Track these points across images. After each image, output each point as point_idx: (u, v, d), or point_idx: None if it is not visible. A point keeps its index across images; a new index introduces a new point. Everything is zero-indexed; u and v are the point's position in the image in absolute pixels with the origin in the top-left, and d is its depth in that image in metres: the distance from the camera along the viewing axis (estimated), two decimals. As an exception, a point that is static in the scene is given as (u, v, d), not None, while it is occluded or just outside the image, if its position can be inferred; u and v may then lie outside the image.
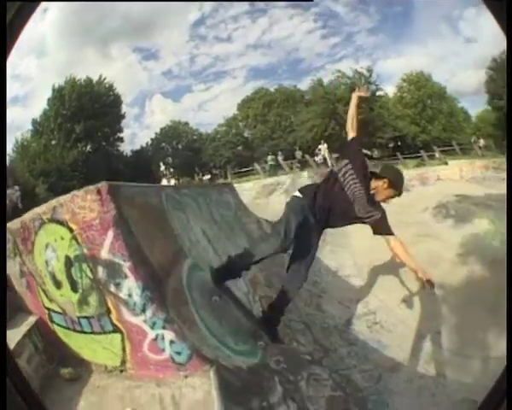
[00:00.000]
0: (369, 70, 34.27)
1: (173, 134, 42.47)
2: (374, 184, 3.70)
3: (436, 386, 4.60)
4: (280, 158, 26.44)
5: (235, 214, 7.94)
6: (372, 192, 3.69)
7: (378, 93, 35.75)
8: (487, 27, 47.60)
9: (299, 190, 3.91)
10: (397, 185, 3.79)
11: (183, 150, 41.47)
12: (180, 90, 56.68)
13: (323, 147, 24.83)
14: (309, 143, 33.74)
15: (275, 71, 61.42)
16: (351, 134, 3.93)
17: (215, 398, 2.60)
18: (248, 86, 56.14)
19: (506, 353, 1.85)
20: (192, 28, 50.69)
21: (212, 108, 56.85)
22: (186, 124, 43.91)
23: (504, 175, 20.36)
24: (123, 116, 37.07)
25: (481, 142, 30.83)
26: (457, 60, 56.66)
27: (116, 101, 35.89)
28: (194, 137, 43.10)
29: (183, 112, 53.50)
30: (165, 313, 3.03)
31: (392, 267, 8.13)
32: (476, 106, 64.03)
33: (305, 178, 17.34)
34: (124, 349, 3.04)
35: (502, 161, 22.60)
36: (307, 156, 25.76)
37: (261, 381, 3.36)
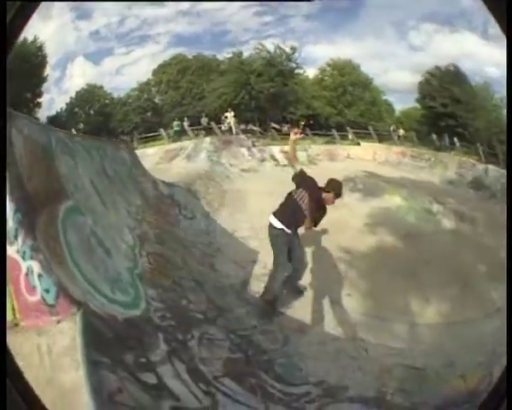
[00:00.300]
0: (293, 48, 32.70)
1: (87, 99, 38.86)
2: (324, 195, 5.22)
3: (355, 349, 4.60)
4: (186, 124, 25.55)
5: (130, 172, 7.58)
6: (323, 199, 5.22)
7: (296, 71, 34.78)
8: (439, 44, 50.79)
9: (274, 215, 5.21)
10: (339, 193, 5.35)
11: (95, 115, 38.33)
12: (102, 52, 51.40)
13: (230, 115, 24.42)
14: (217, 110, 32.85)
15: (199, 40, 58.52)
16: (298, 166, 5.71)
17: (78, 344, 2.37)
18: (169, 52, 53.64)
19: (506, 353, 1.87)
20: (132, -12, 46.56)
21: (129, 73, 53.18)
22: (101, 88, 40.39)
23: (423, 164, 22.48)
24: (45, 79, 33.06)
25: (401, 132, 31.73)
26: (394, 60, 59.16)
27: (42, 62, 31.96)
28: (107, 102, 39.94)
29: (100, 76, 49.04)
30: (32, 241, 2.75)
31: None
32: (403, 102, 68.26)
33: (208, 143, 17.24)
34: (10, 294, 2.73)
35: (422, 151, 24.37)
36: (213, 123, 25.23)
37: (141, 335, 3.08)
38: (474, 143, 26.58)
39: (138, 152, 17.57)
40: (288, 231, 5.00)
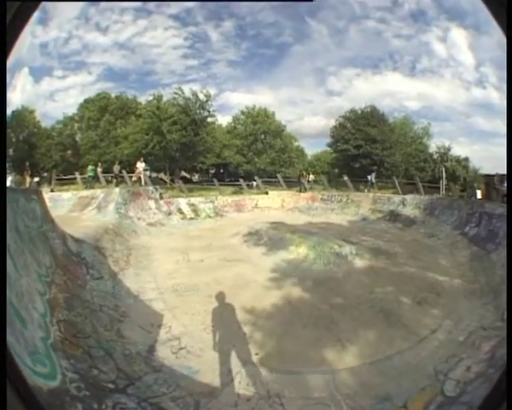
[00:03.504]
0: (207, 95, 33.17)
1: (19, 122, 36.63)
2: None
3: (271, 406, 4.69)
4: (99, 170, 24.93)
5: (41, 227, 7.37)
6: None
7: (209, 119, 35.28)
8: (359, 87, 55.24)
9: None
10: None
11: (23, 143, 36.34)
12: (43, 70, 48.24)
13: (141, 165, 24.14)
14: (129, 157, 32.57)
15: (126, 77, 58.41)
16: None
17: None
18: (97, 86, 52.62)
19: (506, 353, 1.93)
20: (86, 5, 44.92)
21: (60, 100, 50.89)
22: (32, 112, 38.84)
23: (334, 206, 23.35)
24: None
25: (311, 177, 32.36)
26: (309, 106, 63.46)
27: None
28: (35, 130, 38.03)
29: (36, 96, 46.34)
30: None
31: (195, 290, 8.65)
32: (316, 146, 73.35)
33: (117, 194, 17.02)
34: None
35: (333, 194, 25.06)
36: (124, 172, 24.86)
37: (63, 405, 3.20)
38: (390, 178, 28.07)
39: (55, 195, 17.68)
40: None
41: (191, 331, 6.69)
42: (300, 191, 27.46)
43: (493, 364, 4.80)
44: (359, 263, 11.24)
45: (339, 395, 4.94)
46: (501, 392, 1.75)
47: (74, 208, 16.31)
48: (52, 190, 19.72)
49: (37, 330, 4.09)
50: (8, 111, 35.43)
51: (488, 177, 19.45)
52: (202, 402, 4.56)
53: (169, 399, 4.44)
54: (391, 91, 54.89)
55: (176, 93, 33.45)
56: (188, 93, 33.13)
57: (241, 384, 5.16)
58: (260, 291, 8.80)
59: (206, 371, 5.39)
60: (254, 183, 31.50)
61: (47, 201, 9.35)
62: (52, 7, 40.52)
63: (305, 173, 32.69)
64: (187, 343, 6.22)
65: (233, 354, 5.90)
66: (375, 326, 7.04)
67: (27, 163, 25.84)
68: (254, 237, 14.33)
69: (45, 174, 31.87)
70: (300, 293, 8.74)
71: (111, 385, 4.19)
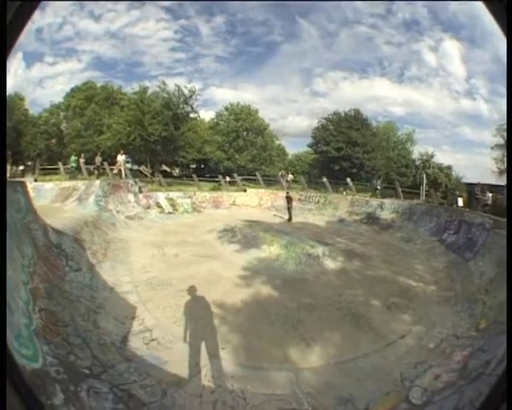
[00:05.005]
0: (192, 91, 33.08)
1: (10, 109, 35.06)
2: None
3: (234, 399, 4.94)
4: (82, 160, 24.73)
5: (25, 218, 7.47)
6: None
7: (191, 115, 35.25)
8: (345, 90, 54.96)
9: (287, 194, 21.84)
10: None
11: (10, 130, 34.96)
12: (35, 55, 47.66)
13: (121, 158, 24.00)
14: (111, 149, 32.26)
15: (114, 66, 57.98)
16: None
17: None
18: (86, 74, 51.70)
19: (506, 352, 2.06)
20: (81, -9, 43.78)
21: (49, 87, 49.88)
22: (22, 99, 38.26)
23: (311, 206, 23.52)
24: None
25: (289, 176, 32.08)
26: (293, 105, 63.38)
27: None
28: (22, 117, 37.10)
29: (26, 82, 45.65)
30: None
31: (168, 284, 8.94)
32: (298, 146, 72.78)
33: (97, 187, 16.96)
34: None
35: (310, 194, 25.02)
36: (105, 164, 24.80)
37: (44, 385, 3.54)
38: (370, 181, 28.43)
39: (37, 185, 17.53)
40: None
41: (162, 324, 7.00)
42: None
43: (465, 375, 4.78)
44: (331, 264, 11.49)
45: (301, 393, 5.17)
46: (501, 392, 1.80)
47: (56, 199, 16.34)
48: (36, 180, 19.68)
49: (21, 317, 4.33)
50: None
51: (471, 186, 19.81)
52: (169, 391, 4.88)
53: (138, 386, 4.76)
54: (377, 96, 55.73)
55: (159, 87, 33.59)
56: (172, 87, 33.22)
57: (207, 377, 5.45)
58: (231, 288, 9.07)
59: (175, 362, 5.68)
60: (228, 178, 31.53)
61: (30, 191, 9.49)
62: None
63: (284, 173, 32.74)
64: (158, 335, 6.53)
65: (201, 348, 6.18)
66: (341, 328, 7.22)
67: (9, 152, 25.59)
68: (229, 234, 14.67)
69: (29, 163, 31.61)
70: (270, 291, 9.00)
71: (86, 371, 4.53)
